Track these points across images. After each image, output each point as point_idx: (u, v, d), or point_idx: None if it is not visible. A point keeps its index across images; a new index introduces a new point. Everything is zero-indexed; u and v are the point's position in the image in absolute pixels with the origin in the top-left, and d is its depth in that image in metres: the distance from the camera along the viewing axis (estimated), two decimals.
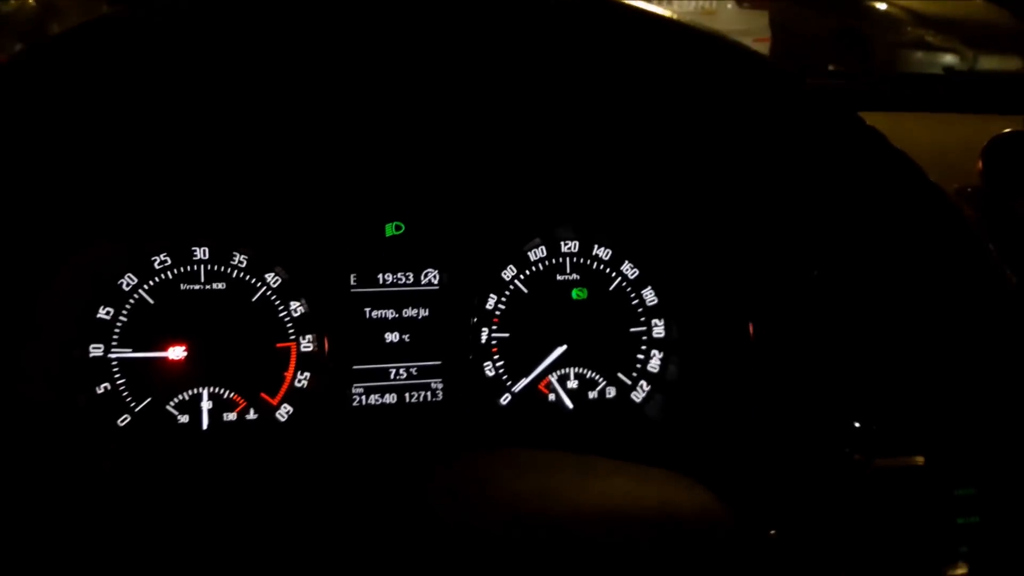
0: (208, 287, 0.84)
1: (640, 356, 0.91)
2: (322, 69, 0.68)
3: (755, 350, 0.85)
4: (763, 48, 6.47)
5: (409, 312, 0.87)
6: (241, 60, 0.62)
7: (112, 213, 0.80)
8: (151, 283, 0.83)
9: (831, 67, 6.54)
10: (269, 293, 0.85)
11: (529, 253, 0.90)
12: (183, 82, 0.63)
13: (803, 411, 0.84)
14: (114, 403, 0.82)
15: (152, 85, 0.62)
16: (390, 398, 0.87)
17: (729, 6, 6.30)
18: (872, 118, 0.72)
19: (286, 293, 0.85)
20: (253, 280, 0.85)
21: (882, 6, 6.53)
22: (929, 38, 6.31)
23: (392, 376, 0.87)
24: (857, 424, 0.74)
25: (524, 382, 0.88)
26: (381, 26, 0.61)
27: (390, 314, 0.87)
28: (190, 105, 0.69)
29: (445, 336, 0.88)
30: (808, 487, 0.62)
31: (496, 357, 0.88)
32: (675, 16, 0.68)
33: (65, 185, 0.73)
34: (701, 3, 6.20)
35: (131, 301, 0.82)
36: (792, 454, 0.83)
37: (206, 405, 0.84)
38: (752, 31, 6.42)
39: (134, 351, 0.82)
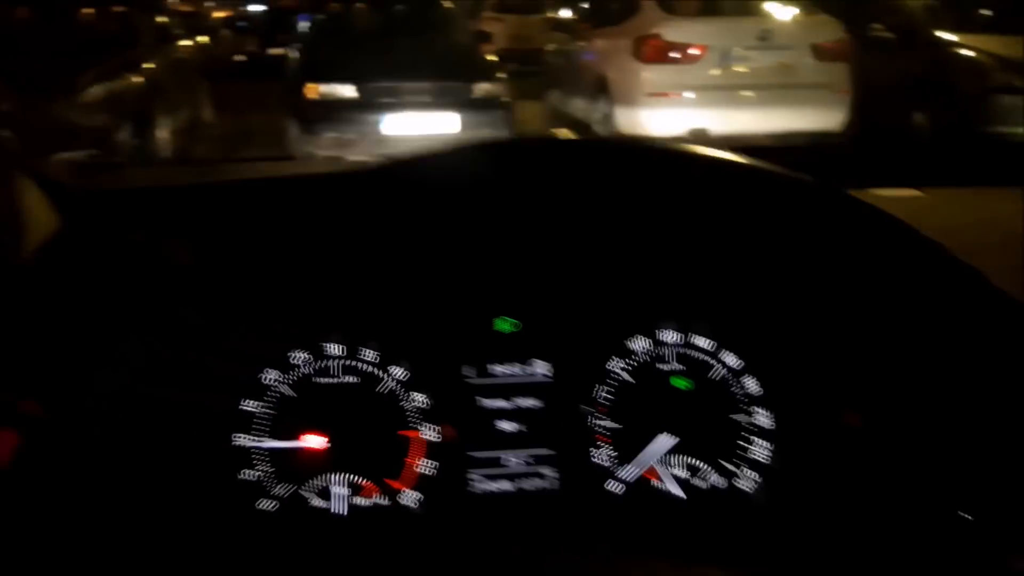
0: (341, 380, 0.92)
1: (745, 445, 0.94)
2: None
3: (861, 439, 0.88)
4: (844, 100, 6.44)
5: (521, 402, 0.93)
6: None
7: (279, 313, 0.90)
8: (290, 378, 0.91)
9: (917, 116, 6.46)
10: (394, 385, 0.92)
11: (632, 344, 0.95)
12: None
13: (911, 500, 0.87)
14: (256, 489, 0.90)
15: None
16: (506, 485, 0.92)
17: (808, 60, 6.30)
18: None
19: (409, 385, 0.93)
20: (380, 373, 0.93)
21: (967, 52, 6.43)
22: (1017, 82, 6.17)
23: (506, 464, 0.93)
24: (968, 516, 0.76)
25: (633, 471, 0.93)
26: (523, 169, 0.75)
27: (504, 404, 0.93)
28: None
29: (556, 426, 0.93)
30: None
31: (605, 446, 0.93)
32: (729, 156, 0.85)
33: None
34: (779, 59, 6.23)
35: (273, 394, 0.91)
36: (900, 543, 0.85)
37: (341, 491, 0.91)
38: (833, 84, 6.41)
39: (277, 440, 0.90)
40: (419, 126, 6.48)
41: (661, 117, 6.30)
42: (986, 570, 0.65)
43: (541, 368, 0.94)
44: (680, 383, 0.95)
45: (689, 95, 6.26)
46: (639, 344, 0.94)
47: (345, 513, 0.91)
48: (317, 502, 0.91)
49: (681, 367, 0.95)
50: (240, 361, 0.91)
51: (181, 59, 7.15)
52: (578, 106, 7.58)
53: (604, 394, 0.94)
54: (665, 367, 0.95)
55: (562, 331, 0.93)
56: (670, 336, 0.95)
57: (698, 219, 0.91)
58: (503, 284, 0.93)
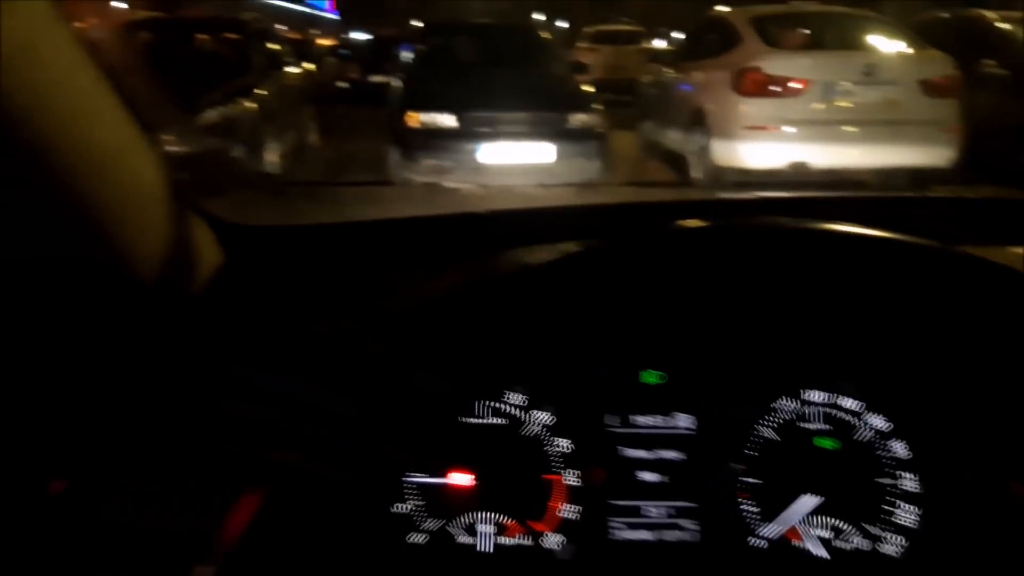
0: (489, 421, 0.95)
1: (891, 508, 0.93)
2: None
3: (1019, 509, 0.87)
4: (952, 138, 6.22)
5: (664, 454, 0.95)
6: None
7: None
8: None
9: None
10: (539, 429, 0.95)
11: (778, 403, 0.95)
12: None
13: None
14: (406, 523, 0.94)
15: None
16: (646, 535, 0.94)
17: (916, 96, 6.12)
18: None
19: (554, 430, 0.95)
20: (525, 417, 0.95)
21: None
22: None
23: (648, 514, 0.94)
24: None
25: (775, 529, 0.93)
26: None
27: (645, 454, 0.95)
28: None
29: (697, 479, 0.94)
30: None
31: (748, 502, 0.94)
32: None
33: None
34: (885, 95, 6.08)
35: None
36: None
37: (487, 529, 0.94)
38: (941, 121, 6.20)
39: (428, 476, 0.94)
40: (515, 155, 6.58)
41: (759, 150, 6.22)
42: None
43: (684, 421, 0.95)
44: (825, 443, 0.94)
45: (789, 129, 6.16)
46: (785, 403, 0.95)
47: (490, 551, 0.94)
48: (463, 538, 0.94)
49: (827, 427, 0.95)
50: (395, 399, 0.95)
51: (289, 85, 7.46)
52: (673, 137, 7.55)
53: (747, 450, 0.94)
54: (810, 426, 0.95)
55: (707, 386, 0.94)
56: (816, 396, 0.95)
57: (845, 288, 0.92)
58: (651, 338, 0.95)
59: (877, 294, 0.93)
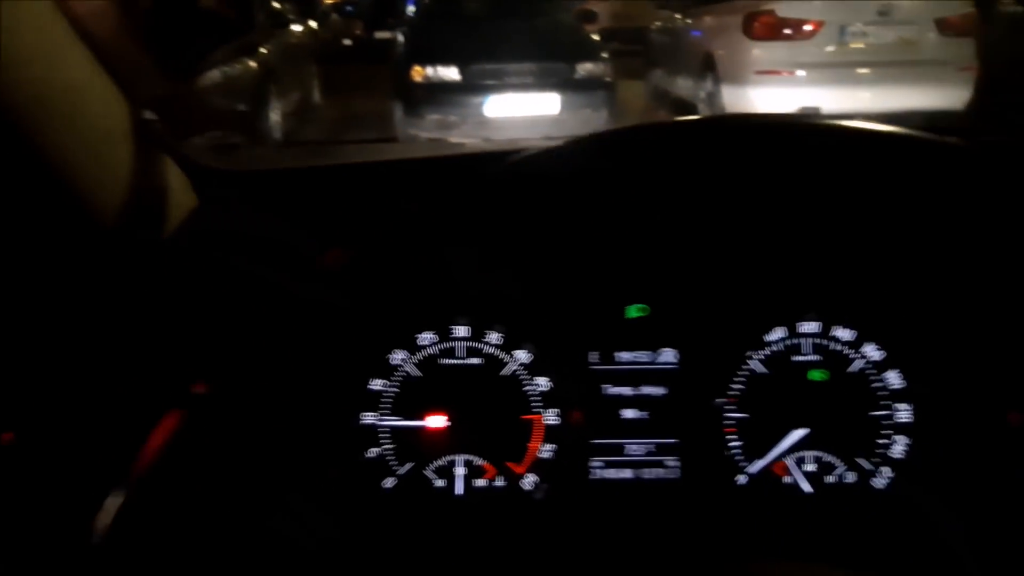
0: (466, 362, 0.92)
1: (883, 441, 0.89)
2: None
3: (1018, 438, 0.83)
4: (968, 78, 6.05)
5: (647, 390, 0.91)
6: None
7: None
8: (417, 358, 0.92)
9: None
10: (518, 369, 0.92)
11: (768, 335, 0.91)
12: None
13: None
14: (380, 467, 0.91)
15: None
16: (627, 473, 0.91)
17: (931, 35, 5.95)
18: None
19: (533, 369, 0.92)
20: (504, 357, 0.92)
21: None
22: None
23: (629, 452, 0.91)
24: None
25: (761, 463, 0.89)
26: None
27: (628, 391, 0.91)
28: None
29: (682, 415, 0.90)
30: None
31: (733, 437, 0.90)
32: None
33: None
34: (900, 35, 5.90)
35: (399, 374, 0.91)
36: None
37: (460, 471, 0.91)
38: (957, 61, 6.03)
39: (402, 419, 0.91)
40: (521, 107, 6.48)
41: (770, 95, 6.08)
42: None
43: (669, 356, 0.91)
44: (816, 375, 0.90)
45: (801, 73, 6.01)
46: (775, 334, 0.90)
47: (464, 494, 0.91)
48: (438, 482, 0.91)
49: (818, 358, 0.90)
50: (369, 342, 0.92)
51: (293, 43, 7.34)
52: (682, 85, 7.41)
53: (734, 384, 0.90)
54: (801, 358, 0.90)
55: (694, 319, 0.90)
56: (809, 326, 0.90)
57: (840, 199, 0.85)
58: (633, 270, 0.90)
59: (873, 202, 0.84)
